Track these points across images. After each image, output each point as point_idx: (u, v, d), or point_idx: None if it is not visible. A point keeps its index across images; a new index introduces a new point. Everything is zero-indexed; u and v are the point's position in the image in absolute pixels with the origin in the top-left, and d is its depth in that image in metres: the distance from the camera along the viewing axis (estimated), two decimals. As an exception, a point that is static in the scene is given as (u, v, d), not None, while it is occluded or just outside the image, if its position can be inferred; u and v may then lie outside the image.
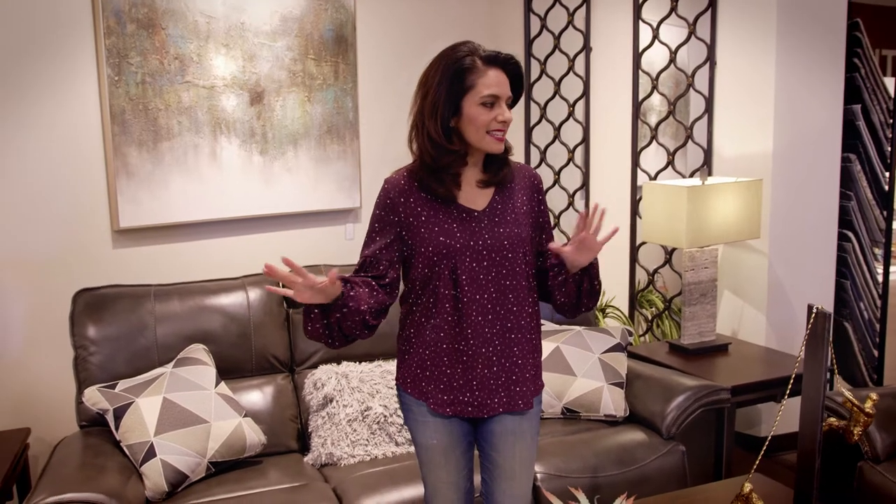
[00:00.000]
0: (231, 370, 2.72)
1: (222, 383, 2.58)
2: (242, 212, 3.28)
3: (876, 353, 3.83)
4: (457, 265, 1.80)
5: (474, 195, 1.87)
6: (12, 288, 2.89)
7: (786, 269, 3.55)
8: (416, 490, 2.32)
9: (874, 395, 1.33)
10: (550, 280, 1.90)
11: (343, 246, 3.55)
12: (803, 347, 1.29)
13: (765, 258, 3.52)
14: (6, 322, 2.91)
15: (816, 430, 1.27)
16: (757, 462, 1.37)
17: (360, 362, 2.77)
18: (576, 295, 1.89)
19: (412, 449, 2.59)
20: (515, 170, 1.94)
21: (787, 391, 1.64)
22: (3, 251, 2.88)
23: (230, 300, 2.78)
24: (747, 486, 1.31)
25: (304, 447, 2.71)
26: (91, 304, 2.65)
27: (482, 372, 1.83)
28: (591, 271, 1.88)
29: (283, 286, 1.69)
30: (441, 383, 1.84)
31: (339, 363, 2.75)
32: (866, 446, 2.54)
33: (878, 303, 3.89)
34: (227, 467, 2.48)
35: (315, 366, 2.79)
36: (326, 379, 2.63)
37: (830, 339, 1.48)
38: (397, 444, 2.59)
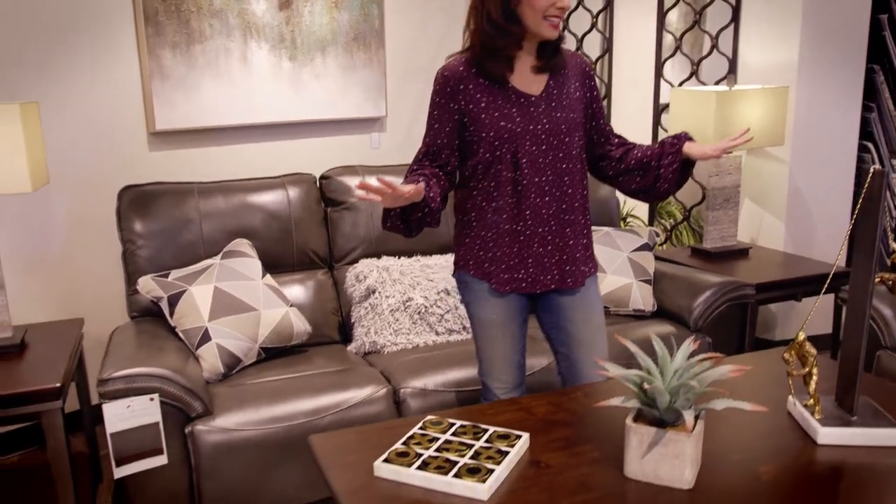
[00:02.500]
0: (273, 265, 2.81)
1: (268, 275, 2.67)
2: (272, 117, 3.32)
3: (887, 260, 3.94)
4: (517, 149, 1.88)
5: (529, 81, 1.92)
6: (55, 189, 2.95)
7: (806, 177, 3.63)
8: (459, 374, 2.44)
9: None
10: (663, 168, 1.97)
11: (369, 154, 3.59)
12: (857, 211, 1.37)
13: (786, 167, 3.59)
14: (52, 223, 2.98)
15: (868, 283, 1.36)
16: (806, 321, 1.47)
17: (399, 257, 2.86)
18: (673, 182, 1.98)
19: (451, 338, 2.71)
20: (567, 57, 1.99)
21: (825, 287, 1.72)
22: (49, 157, 2.93)
23: (271, 198, 2.85)
24: (801, 335, 1.41)
25: (346, 339, 2.82)
26: (136, 200, 2.71)
27: (537, 250, 1.93)
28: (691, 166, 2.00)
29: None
30: (502, 262, 1.94)
31: (379, 258, 2.84)
32: (887, 338, 2.66)
33: (894, 213, 3.98)
34: (276, 353, 2.60)
35: (353, 262, 2.88)
36: (368, 272, 2.72)
37: (886, 198, 1.58)
38: (437, 334, 2.69)
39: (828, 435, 1.40)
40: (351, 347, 2.71)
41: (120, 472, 2.11)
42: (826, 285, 1.68)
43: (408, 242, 2.88)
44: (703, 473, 1.30)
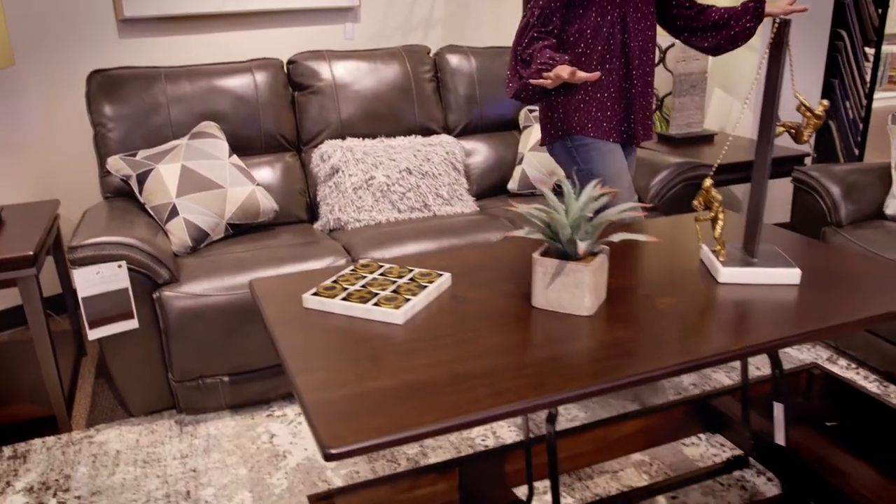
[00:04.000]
0: (242, 147, 2.89)
1: (234, 155, 2.74)
2: (244, 6, 3.32)
3: (857, 151, 3.99)
4: (626, 13, 2.04)
5: None
6: (24, 73, 2.99)
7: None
8: (417, 247, 2.55)
9: (825, 102, 1.48)
10: (739, 28, 2.09)
11: (343, 45, 3.61)
12: (766, 59, 1.44)
13: (756, 54, 3.60)
14: (25, 108, 3.04)
15: (770, 133, 1.44)
16: (714, 169, 1.55)
17: (363, 138, 2.93)
18: (746, 38, 2.13)
19: (413, 215, 2.81)
20: None
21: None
22: (14, 39, 2.96)
23: (238, 82, 2.90)
24: (707, 182, 1.50)
25: (313, 218, 2.92)
26: (105, 84, 2.77)
27: (637, 108, 2.14)
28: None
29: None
30: (615, 120, 2.13)
31: (343, 139, 2.91)
32: (831, 213, 2.75)
33: (864, 102, 4.01)
34: (243, 230, 2.71)
35: (321, 144, 2.95)
36: (332, 152, 2.80)
37: (789, 44, 1.71)
38: (399, 211, 2.79)
39: (727, 274, 1.50)
40: (317, 225, 2.82)
41: (93, 335, 2.25)
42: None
43: (371, 126, 2.96)
44: (605, 304, 1.41)
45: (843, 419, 1.77)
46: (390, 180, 2.77)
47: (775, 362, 1.53)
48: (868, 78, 3.95)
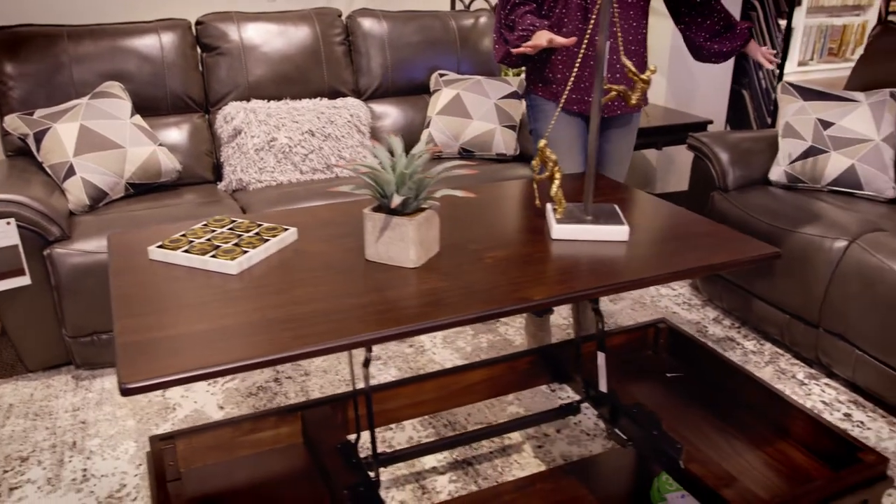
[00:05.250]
0: (147, 108, 2.91)
1: (137, 115, 2.77)
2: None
3: (769, 120, 4.11)
4: None
5: None
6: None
7: (688, 33, 3.72)
8: (315, 202, 2.60)
9: (653, 67, 1.56)
10: (735, 46, 2.18)
11: (261, 6, 3.61)
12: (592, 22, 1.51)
13: (668, 21, 3.68)
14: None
15: (599, 96, 1.52)
16: (549, 130, 1.62)
17: (269, 101, 2.97)
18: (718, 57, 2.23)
19: (315, 177, 2.86)
20: None
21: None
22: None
23: (144, 42, 2.91)
24: (542, 143, 1.57)
25: (219, 179, 2.96)
26: (6, 42, 2.76)
27: (607, 76, 2.13)
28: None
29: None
30: (564, 84, 2.14)
31: (248, 101, 2.94)
32: (720, 179, 2.86)
33: (776, 72, 4.11)
34: (145, 190, 2.74)
35: (225, 105, 2.98)
36: (235, 113, 2.83)
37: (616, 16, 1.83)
38: (301, 173, 2.84)
39: (560, 230, 1.58)
40: (220, 185, 2.86)
41: (-16, 290, 2.29)
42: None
43: (279, 88, 2.99)
44: (434, 257, 1.49)
45: (686, 371, 1.88)
46: (292, 142, 2.81)
47: (598, 314, 1.63)
48: (780, 49, 4.06)
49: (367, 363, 1.46)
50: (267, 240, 1.53)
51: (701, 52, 2.23)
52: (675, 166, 3.94)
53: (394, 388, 1.70)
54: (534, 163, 1.64)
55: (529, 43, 1.90)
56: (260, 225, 1.61)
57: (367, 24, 3.25)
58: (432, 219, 1.47)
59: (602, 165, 2.34)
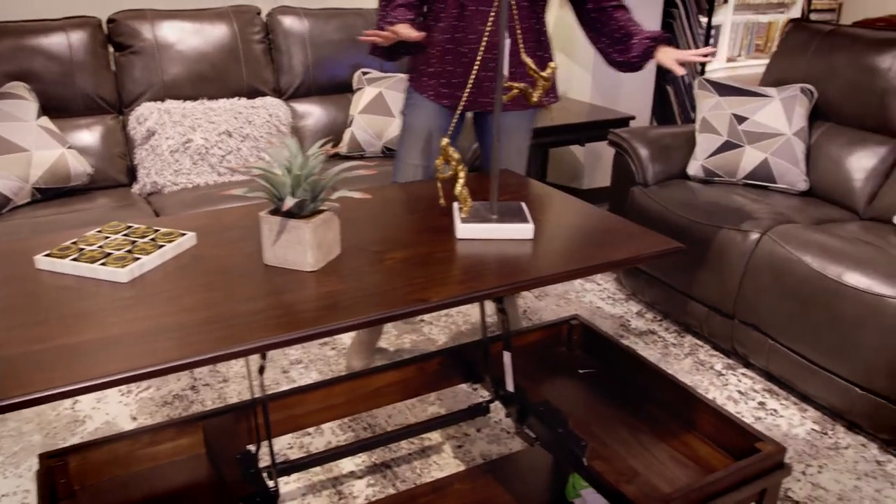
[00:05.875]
0: (57, 109, 2.80)
1: (44, 117, 2.66)
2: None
3: (693, 115, 4.18)
4: None
5: None
6: None
7: (611, 30, 3.76)
8: (233, 202, 2.54)
9: (553, 64, 1.56)
10: (633, 57, 2.10)
11: (175, 3, 3.52)
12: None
13: (592, 19, 3.71)
14: None
15: (499, 94, 1.51)
16: (452, 126, 1.60)
17: (184, 101, 2.89)
18: (626, 68, 2.15)
19: (234, 178, 2.80)
20: None
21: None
22: None
23: (51, 41, 2.80)
24: (445, 141, 1.56)
25: (134, 182, 2.87)
26: None
27: (482, 74, 2.09)
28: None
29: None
30: (442, 78, 2.11)
31: (163, 101, 2.86)
32: (640, 174, 2.89)
33: (699, 68, 4.19)
34: (54, 195, 2.64)
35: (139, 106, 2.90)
36: (148, 114, 2.76)
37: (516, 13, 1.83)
38: (219, 174, 2.78)
39: (465, 230, 1.57)
40: (134, 189, 2.78)
41: None
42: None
43: (196, 88, 2.92)
44: (335, 259, 1.46)
45: (599, 367, 1.89)
46: (209, 143, 2.75)
47: (503, 314, 1.62)
48: (702, 45, 4.13)
49: (261, 370, 1.43)
50: (162, 245, 1.48)
51: (607, 60, 2.21)
52: (602, 162, 3.98)
53: (302, 393, 1.67)
54: (437, 161, 1.63)
55: (377, 32, 1.83)
56: (156, 230, 1.56)
57: (288, 21, 3.19)
58: (331, 221, 1.44)
59: (489, 165, 2.29)
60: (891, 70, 2.70)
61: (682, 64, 2.03)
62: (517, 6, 2.06)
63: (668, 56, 2.03)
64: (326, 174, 1.41)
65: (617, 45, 2.13)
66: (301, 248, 1.40)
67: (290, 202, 1.32)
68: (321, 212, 1.43)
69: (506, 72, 1.54)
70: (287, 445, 2.13)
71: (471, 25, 2.05)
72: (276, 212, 1.44)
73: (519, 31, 2.05)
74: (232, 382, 2.41)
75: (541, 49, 2.17)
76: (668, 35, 2.13)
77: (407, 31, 1.83)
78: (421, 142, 2.20)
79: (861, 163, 2.73)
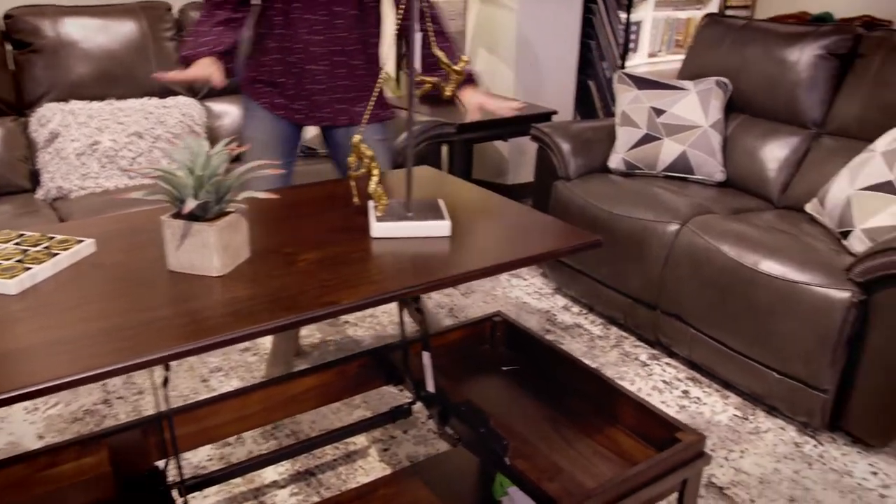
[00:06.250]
0: (-49, 112, 2.65)
1: (-64, 121, 2.51)
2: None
3: (614, 109, 4.23)
4: None
5: None
6: None
7: (533, 26, 3.77)
8: (142, 206, 2.44)
9: (465, 57, 1.53)
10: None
11: None
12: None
13: (514, 14, 3.71)
14: None
15: (411, 89, 1.47)
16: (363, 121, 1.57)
17: (91, 101, 2.76)
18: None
19: (146, 181, 2.69)
20: None
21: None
22: None
23: (-58, 39, 2.64)
24: (357, 138, 1.51)
25: (38, 187, 2.73)
26: None
27: (311, 86, 1.99)
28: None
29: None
30: (276, 88, 2.01)
31: (67, 101, 2.73)
32: (562, 168, 2.90)
33: (619, 62, 4.24)
34: (-51, 202, 2.49)
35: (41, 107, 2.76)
36: (51, 115, 2.62)
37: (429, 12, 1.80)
38: (130, 178, 2.66)
39: (380, 228, 1.53)
40: (38, 195, 2.64)
41: None
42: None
43: (103, 88, 2.79)
44: (243, 263, 1.40)
45: (522, 363, 1.88)
46: (117, 145, 2.63)
47: (420, 313, 1.59)
48: (622, 40, 4.19)
49: (165, 382, 1.36)
50: (57, 254, 1.39)
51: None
52: (526, 157, 3.99)
53: (215, 403, 1.60)
54: (350, 159, 1.58)
55: (175, 75, 1.71)
56: (51, 238, 1.47)
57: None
58: (237, 223, 1.38)
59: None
60: (800, 63, 2.77)
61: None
62: (342, 17, 1.94)
63: (472, 98, 1.92)
64: (231, 174, 1.35)
65: (427, 73, 2.01)
66: (206, 252, 1.33)
67: (191, 204, 1.26)
68: (227, 214, 1.37)
69: (417, 66, 1.50)
70: (206, 458, 2.05)
71: (296, 35, 1.93)
72: (178, 215, 1.37)
73: (353, 46, 1.95)
74: (148, 394, 2.31)
75: (369, 62, 2.04)
76: (473, 75, 1.95)
77: (202, 73, 1.74)
78: (260, 154, 2.06)
79: (774, 153, 2.80)
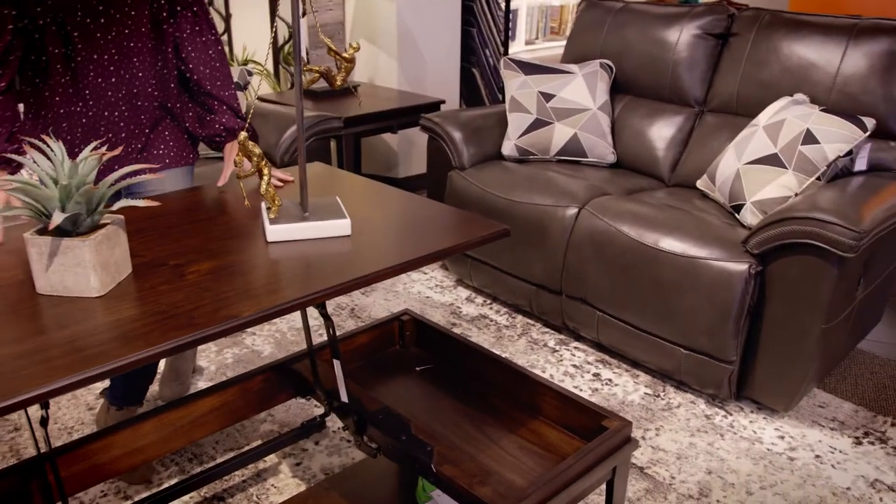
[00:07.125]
0: None
1: None
2: None
3: (500, 95, 4.22)
4: (65, 19, 1.59)
5: None
6: None
7: (414, 16, 3.69)
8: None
9: (355, 44, 1.44)
10: (202, 135, 1.84)
11: None
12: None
13: (394, 4, 3.62)
14: None
15: (299, 79, 1.36)
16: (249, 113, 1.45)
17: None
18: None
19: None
20: None
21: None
22: None
23: None
24: (243, 135, 1.39)
25: None
26: None
27: (108, 136, 1.71)
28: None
29: None
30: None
31: None
32: (455, 158, 2.84)
33: (502, 49, 4.23)
34: None
35: None
36: None
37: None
38: (-14, 194, 2.40)
39: (275, 232, 1.41)
40: None
41: None
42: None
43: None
44: (126, 280, 1.26)
45: (435, 362, 1.80)
46: None
47: (327, 319, 1.49)
48: (503, 27, 4.18)
49: (43, 422, 1.20)
50: None
51: (184, 125, 1.85)
52: (416, 149, 3.92)
53: (103, 437, 1.44)
54: (237, 158, 1.46)
55: None
56: None
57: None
58: (115, 236, 1.23)
59: None
60: (679, 43, 2.82)
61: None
62: (142, 40, 1.69)
63: (228, 157, 1.81)
64: (103, 182, 1.20)
65: (197, 117, 1.84)
66: (82, 270, 1.18)
67: (58, 218, 1.10)
68: (102, 226, 1.22)
69: (303, 53, 1.39)
70: (100, 493, 1.86)
71: (84, 80, 1.65)
72: (44, 231, 1.21)
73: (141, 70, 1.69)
74: (25, 430, 2.09)
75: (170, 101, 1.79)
76: (248, 128, 1.70)
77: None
78: None
79: (661, 132, 2.84)
